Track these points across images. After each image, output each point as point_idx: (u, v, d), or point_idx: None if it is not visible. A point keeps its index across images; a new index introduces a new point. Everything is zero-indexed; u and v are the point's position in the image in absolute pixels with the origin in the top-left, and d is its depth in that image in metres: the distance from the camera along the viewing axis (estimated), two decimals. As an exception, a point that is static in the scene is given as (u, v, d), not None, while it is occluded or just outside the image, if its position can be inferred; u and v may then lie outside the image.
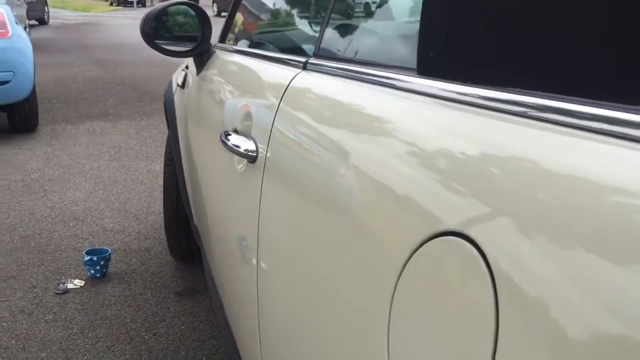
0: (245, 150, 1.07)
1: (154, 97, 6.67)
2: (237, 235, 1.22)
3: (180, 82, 2.29)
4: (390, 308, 0.56)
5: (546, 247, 0.41)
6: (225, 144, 1.14)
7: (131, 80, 8.14)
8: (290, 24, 1.51)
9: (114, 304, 2.45)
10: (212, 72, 1.76)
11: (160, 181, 3.19)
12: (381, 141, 0.70)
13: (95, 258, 2.63)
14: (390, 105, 0.74)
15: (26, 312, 2.37)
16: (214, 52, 1.88)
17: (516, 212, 0.45)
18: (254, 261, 1.06)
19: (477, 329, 0.44)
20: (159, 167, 4.05)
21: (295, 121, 0.96)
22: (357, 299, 0.65)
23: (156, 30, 1.84)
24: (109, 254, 2.70)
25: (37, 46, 11.42)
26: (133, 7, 31.04)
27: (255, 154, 1.05)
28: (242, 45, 1.76)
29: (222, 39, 1.98)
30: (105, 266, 2.66)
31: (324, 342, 0.76)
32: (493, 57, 0.61)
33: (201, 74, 1.88)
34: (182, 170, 2.30)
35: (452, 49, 0.68)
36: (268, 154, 1.00)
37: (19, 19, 5.51)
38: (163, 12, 1.84)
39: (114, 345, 2.16)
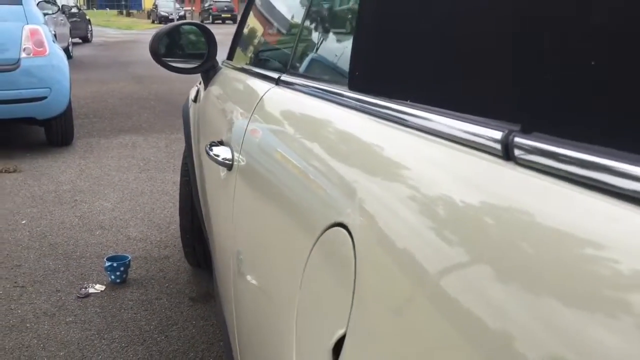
0: (223, 159, 1.17)
1: (186, 112, 6.87)
2: (220, 239, 1.32)
3: (193, 97, 2.42)
4: (300, 285, 0.65)
5: (395, 238, 0.49)
6: (208, 154, 1.24)
7: (166, 95, 8.39)
8: (275, 42, 1.61)
9: (131, 307, 2.57)
10: (215, 87, 1.87)
11: (182, 192, 3.32)
12: (321, 149, 0.79)
13: (115, 264, 2.76)
14: (334, 117, 0.83)
15: (49, 314, 2.51)
16: (220, 68, 2.00)
17: (377, 209, 0.53)
18: (231, 262, 1.15)
19: (341, 293, 0.53)
20: (184, 178, 4.20)
21: (263, 132, 1.05)
22: (287, 282, 0.74)
23: (165, 49, 1.96)
24: (129, 261, 2.83)
25: (78, 63, 11.91)
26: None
27: (230, 162, 1.15)
28: (240, 62, 1.87)
29: (229, 56, 2.10)
30: (125, 272, 2.79)
31: (280, 333, 0.84)
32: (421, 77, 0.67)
33: (207, 89, 2.00)
34: (195, 180, 2.42)
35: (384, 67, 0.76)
36: (240, 162, 1.10)
37: (62, 37, 5.78)
38: (172, 31, 1.97)
39: (127, 346, 2.28)
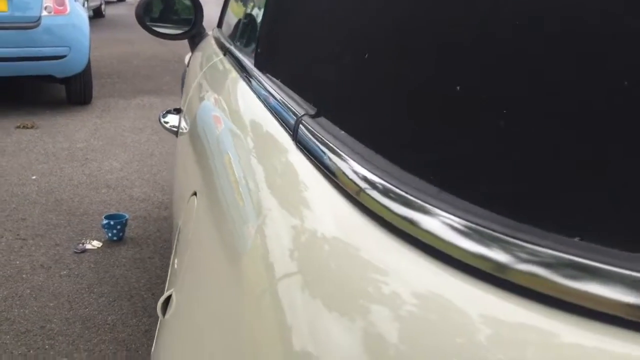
0: (170, 126, 1.21)
1: (206, 76, 6.91)
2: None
3: (187, 62, 2.45)
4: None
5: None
6: (160, 121, 1.28)
7: (189, 58, 8.43)
8: (239, 14, 1.62)
9: (124, 264, 2.66)
10: (196, 54, 1.90)
11: (184, 155, 3.39)
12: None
13: (112, 222, 2.85)
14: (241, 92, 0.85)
15: (45, 267, 2.62)
16: (207, 35, 2.02)
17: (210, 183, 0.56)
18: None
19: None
20: (193, 142, 4.27)
21: (198, 100, 1.08)
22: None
23: (152, 14, 1.99)
24: (126, 220, 2.91)
25: (109, 23, 11.99)
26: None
27: (177, 129, 1.19)
28: (220, 32, 1.89)
29: (219, 24, 2.12)
30: (122, 230, 2.88)
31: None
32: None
33: (193, 54, 2.03)
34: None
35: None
36: (182, 130, 1.13)
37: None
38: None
39: (114, 300, 2.37)
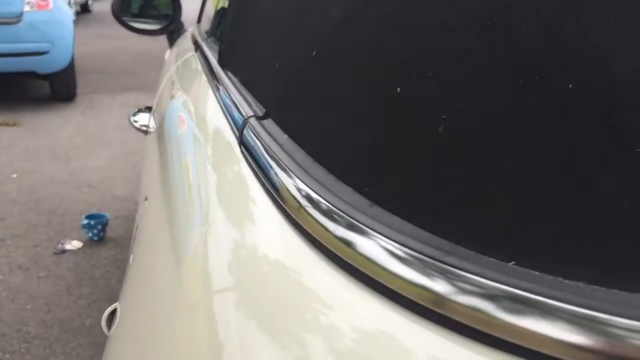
0: (140, 125, 1.16)
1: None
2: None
3: (166, 58, 2.40)
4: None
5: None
6: (129, 120, 1.23)
7: (176, 54, 8.36)
8: (214, 12, 1.58)
9: (104, 265, 2.61)
10: (172, 50, 1.85)
11: (167, 153, 3.34)
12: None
13: (92, 222, 2.79)
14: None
15: (23, 268, 2.56)
16: (185, 30, 1.97)
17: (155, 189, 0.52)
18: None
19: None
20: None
21: (166, 97, 1.04)
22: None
23: (129, 9, 1.93)
24: (106, 219, 2.86)
25: (96, 18, 11.87)
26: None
27: (146, 129, 1.14)
28: (197, 27, 1.84)
29: (199, 20, 2.07)
30: (103, 230, 2.82)
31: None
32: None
33: (171, 50, 1.98)
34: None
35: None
36: (151, 129, 1.09)
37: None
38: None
39: (93, 302, 2.32)
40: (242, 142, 0.43)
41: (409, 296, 0.28)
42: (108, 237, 2.85)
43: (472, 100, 0.28)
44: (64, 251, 2.71)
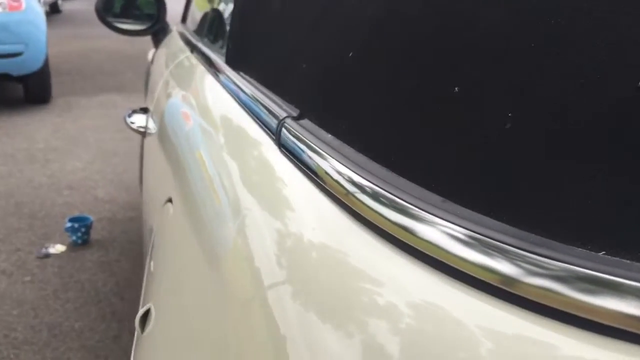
0: (137, 126, 1.16)
1: (170, 72, 6.79)
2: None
3: (150, 59, 2.38)
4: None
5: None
6: (125, 121, 1.22)
7: (152, 54, 8.28)
8: (207, 10, 1.58)
9: (90, 269, 2.58)
10: (161, 50, 1.84)
11: (149, 154, 3.32)
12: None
13: (76, 225, 2.76)
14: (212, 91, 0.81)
15: (7, 273, 2.52)
16: (171, 30, 1.96)
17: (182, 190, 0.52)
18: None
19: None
20: (158, 140, 4.19)
21: (165, 102, 1.03)
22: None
23: (113, 9, 1.92)
24: (90, 222, 2.83)
25: (67, 18, 11.69)
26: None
27: (144, 130, 1.14)
28: (186, 27, 1.84)
29: (183, 19, 2.06)
30: (87, 233, 2.79)
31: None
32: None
33: (157, 51, 1.97)
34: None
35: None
36: (150, 131, 1.08)
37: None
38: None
39: (81, 306, 2.30)
40: (281, 143, 0.43)
41: (478, 276, 0.29)
42: (92, 239, 2.82)
43: (536, 94, 0.29)
44: (47, 255, 2.68)
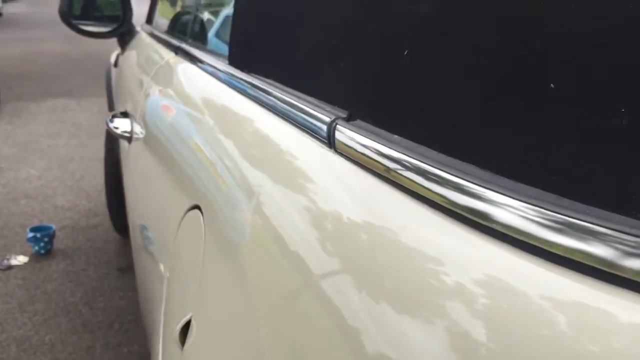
0: (122, 131, 1.13)
1: (121, 74, 6.64)
2: (129, 210, 1.29)
3: (113, 61, 2.32)
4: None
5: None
6: (108, 125, 1.19)
7: (101, 56, 8.07)
8: (184, 9, 1.55)
9: (56, 279, 2.50)
10: (129, 52, 1.80)
11: (111, 159, 3.24)
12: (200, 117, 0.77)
13: (38, 235, 2.67)
14: (214, 92, 0.80)
15: (-33, 287, 2.42)
16: (137, 32, 1.92)
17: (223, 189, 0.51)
18: (137, 234, 1.12)
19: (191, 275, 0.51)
20: (116, 144, 4.09)
21: (155, 104, 1.01)
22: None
23: (77, 11, 1.86)
24: (53, 231, 2.74)
25: (9, 22, 11.29)
26: (112, -20, 30.52)
27: (129, 135, 1.11)
28: (154, 27, 1.80)
29: (148, 19, 2.02)
30: (50, 243, 2.71)
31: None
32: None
33: (124, 53, 1.92)
34: (119, 147, 2.35)
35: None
36: (137, 135, 1.05)
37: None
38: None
39: (50, 318, 2.22)
40: (336, 144, 0.42)
41: (574, 258, 0.29)
42: (55, 249, 2.74)
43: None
44: (9, 267, 2.58)
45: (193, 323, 0.50)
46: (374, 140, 0.38)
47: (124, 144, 1.27)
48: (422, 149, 0.36)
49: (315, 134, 0.45)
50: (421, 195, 0.35)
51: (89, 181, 3.62)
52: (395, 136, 0.38)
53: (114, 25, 1.90)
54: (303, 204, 0.42)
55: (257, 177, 0.49)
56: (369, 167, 0.39)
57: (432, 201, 0.34)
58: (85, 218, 3.11)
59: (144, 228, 0.98)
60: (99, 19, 1.92)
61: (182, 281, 0.58)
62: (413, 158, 0.36)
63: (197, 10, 1.11)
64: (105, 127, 2.83)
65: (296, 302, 0.39)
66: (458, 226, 0.33)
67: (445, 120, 0.36)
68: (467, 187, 0.33)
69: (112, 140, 2.57)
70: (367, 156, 0.38)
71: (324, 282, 0.38)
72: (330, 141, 0.43)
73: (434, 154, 0.36)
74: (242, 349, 0.42)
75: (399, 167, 0.36)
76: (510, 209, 0.32)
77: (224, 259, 0.48)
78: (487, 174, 0.33)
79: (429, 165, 0.35)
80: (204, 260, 0.50)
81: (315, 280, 0.38)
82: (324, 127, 0.43)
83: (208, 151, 0.63)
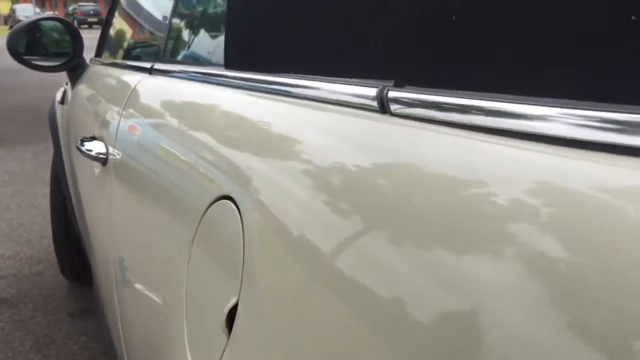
0: (97, 153, 1.11)
1: (53, 121, 6.45)
2: (99, 244, 1.25)
3: (60, 99, 2.28)
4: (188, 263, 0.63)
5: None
6: (80, 149, 1.17)
7: (28, 105, 7.84)
8: (147, 32, 1.56)
9: (2, 329, 2.37)
10: (84, 85, 1.77)
11: (53, 203, 3.12)
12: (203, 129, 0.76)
13: (-20, 284, 2.53)
14: (213, 98, 0.81)
15: None
16: (88, 66, 1.90)
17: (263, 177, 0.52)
18: (113, 269, 1.08)
19: (231, 264, 0.51)
20: (54, 190, 3.94)
21: (139, 121, 1.01)
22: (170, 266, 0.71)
23: (25, 47, 1.83)
24: (-4, 280, 2.61)
25: None
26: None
27: (105, 156, 1.09)
28: (111, 57, 1.79)
29: (97, 53, 2.00)
30: (-7, 292, 2.57)
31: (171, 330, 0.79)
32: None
33: (75, 88, 1.89)
34: (68, 186, 2.28)
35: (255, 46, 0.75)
36: (115, 156, 1.04)
37: None
38: (32, 27, 1.84)
39: (0, 370, 2.10)
40: (390, 109, 0.44)
41: None
42: (0, 299, 2.60)
43: None
44: (-51, 321, 2.42)
45: (240, 309, 0.49)
46: (430, 96, 0.40)
47: (90, 171, 1.24)
48: (470, 94, 0.38)
49: (366, 106, 0.46)
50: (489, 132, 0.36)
51: (29, 228, 3.47)
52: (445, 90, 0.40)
53: (63, 59, 1.87)
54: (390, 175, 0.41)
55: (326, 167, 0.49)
56: (430, 121, 0.40)
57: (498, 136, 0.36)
58: (28, 265, 2.97)
59: (131, 252, 0.95)
60: (49, 54, 1.89)
61: (213, 276, 0.58)
62: (472, 99, 0.37)
63: (168, 29, 1.12)
64: (51, 172, 2.73)
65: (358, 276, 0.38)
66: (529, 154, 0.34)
67: (498, 61, 0.38)
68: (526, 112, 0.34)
69: (59, 182, 2.49)
70: (425, 116, 0.40)
71: (398, 254, 0.37)
72: (384, 107, 0.44)
73: (484, 95, 0.37)
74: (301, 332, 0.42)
75: (459, 114, 0.38)
76: (565, 118, 0.33)
77: (276, 242, 0.48)
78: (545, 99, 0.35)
79: (483, 101, 0.36)
80: (244, 249, 0.49)
81: (397, 250, 0.37)
82: (374, 95, 0.45)
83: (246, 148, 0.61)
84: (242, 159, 0.58)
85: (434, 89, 0.41)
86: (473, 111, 0.38)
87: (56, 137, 2.41)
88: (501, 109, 0.36)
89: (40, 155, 5.21)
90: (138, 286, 0.93)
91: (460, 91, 0.39)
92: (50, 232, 3.28)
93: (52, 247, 3.10)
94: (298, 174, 0.49)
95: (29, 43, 1.87)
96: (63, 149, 2.28)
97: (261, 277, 0.48)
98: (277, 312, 0.46)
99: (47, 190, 4.10)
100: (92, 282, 2.19)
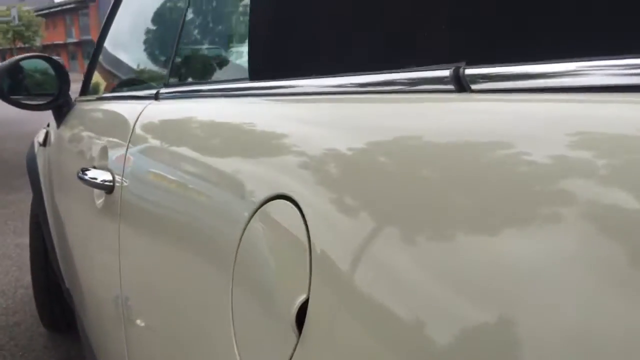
0: (102, 180, 1.07)
1: (24, 171, 6.31)
2: (96, 280, 1.20)
3: (41, 140, 2.23)
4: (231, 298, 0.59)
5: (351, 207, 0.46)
6: (82, 179, 1.13)
7: (-5, 156, 7.67)
8: (143, 62, 1.54)
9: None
10: (71, 122, 1.74)
11: (29, 252, 3.02)
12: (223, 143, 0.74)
13: (-45, 338, 2.41)
14: (228, 111, 0.79)
15: None
16: (74, 104, 1.87)
17: (328, 177, 0.50)
18: (120, 309, 1.03)
19: (296, 263, 0.49)
20: (27, 240, 3.82)
21: (146, 146, 0.98)
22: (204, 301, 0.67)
23: (9, 87, 1.80)
24: (-28, 331, 2.49)
25: None
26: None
27: (112, 184, 1.06)
28: (101, 92, 1.77)
29: (83, 92, 1.97)
30: (-32, 345, 2.44)
31: None
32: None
33: (61, 127, 1.85)
34: (50, 233, 2.20)
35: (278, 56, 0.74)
36: (123, 183, 1.01)
37: None
38: (16, 65, 1.81)
39: None
40: (469, 87, 0.43)
41: None
42: (-26, 352, 2.47)
43: None
44: None
45: (311, 306, 0.46)
46: (509, 68, 0.40)
47: (88, 205, 1.20)
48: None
49: (440, 87, 0.45)
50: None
51: (2, 279, 3.35)
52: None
53: (49, 98, 1.84)
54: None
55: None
56: (512, 91, 0.40)
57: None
58: (4, 317, 2.85)
59: (148, 285, 0.90)
60: (35, 94, 1.86)
61: (265, 277, 0.55)
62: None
63: (173, 52, 1.11)
64: (31, 218, 2.64)
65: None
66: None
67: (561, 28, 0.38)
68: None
69: (39, 227, 2.41)
70: (505, 88, 0.40)
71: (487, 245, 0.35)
72: (461, 85, 0.43)
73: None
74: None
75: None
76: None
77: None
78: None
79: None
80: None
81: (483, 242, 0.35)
82: (445, 75, 0.44)
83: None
84: (296, 156, 0.56)
85: (507, 63, 0.41)
86: (555, 75, 0.37)
87: (36, 181, 2.34)
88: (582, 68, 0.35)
89: (9, 205, 5.07)
90: (156, 321, 0.88)
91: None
92: (25, 282, 3.16)
93: (28, 297, 2.98)
94: (390, 168, 0.45)
95: (12, 86, 1.83)
96: (45, 194, 2.21)
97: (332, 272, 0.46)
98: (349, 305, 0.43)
99: (20, 240, 3.98)
100: (75, 330, 2.10)
